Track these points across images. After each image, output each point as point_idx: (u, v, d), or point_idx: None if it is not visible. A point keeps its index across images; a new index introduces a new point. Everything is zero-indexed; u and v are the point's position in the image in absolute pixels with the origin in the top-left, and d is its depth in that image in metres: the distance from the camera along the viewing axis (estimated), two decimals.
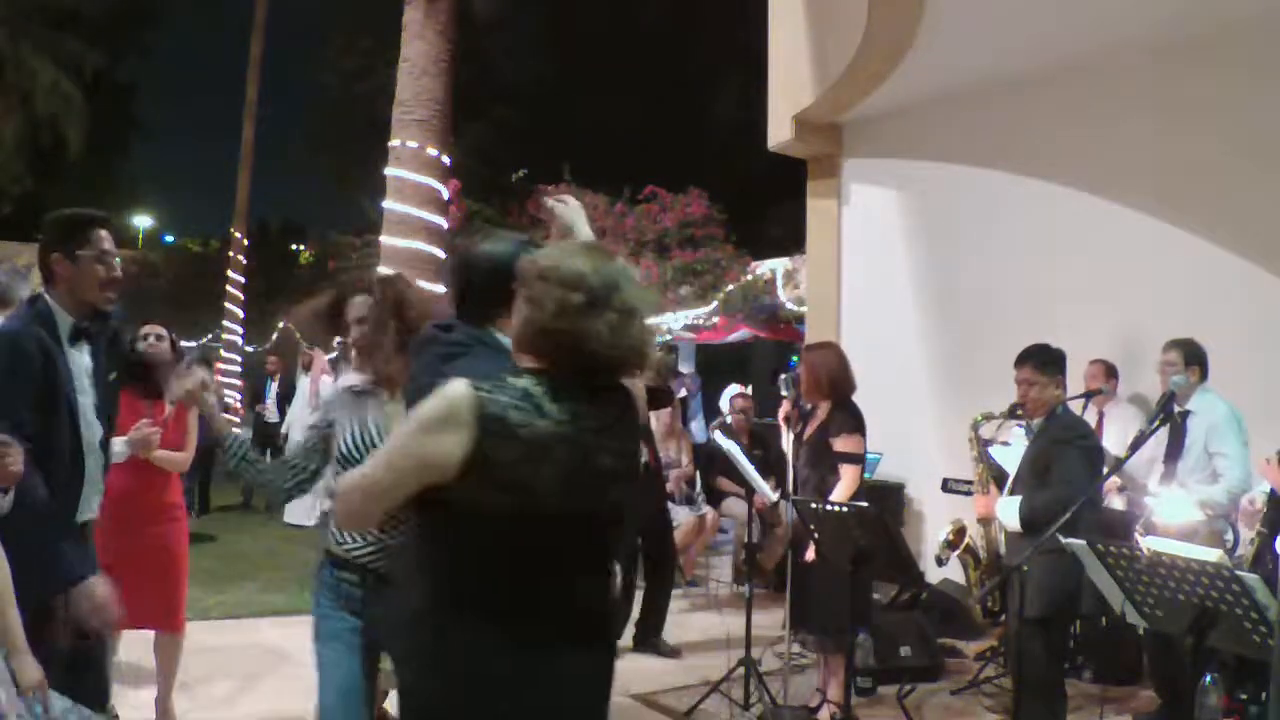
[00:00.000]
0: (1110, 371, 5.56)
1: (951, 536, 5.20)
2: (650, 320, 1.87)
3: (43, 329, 2.63)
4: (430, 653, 1.75)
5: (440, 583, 1.75)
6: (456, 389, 1.67)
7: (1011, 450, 4.22)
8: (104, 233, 2.73)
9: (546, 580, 1.74)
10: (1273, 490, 4.09)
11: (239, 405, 14.05)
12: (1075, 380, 5.46)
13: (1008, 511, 3.77)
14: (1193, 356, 4.65)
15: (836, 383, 4.42)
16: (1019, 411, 4.03)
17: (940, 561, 5.24)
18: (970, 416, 4.74)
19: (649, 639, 5.58)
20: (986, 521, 4.09)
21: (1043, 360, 3.87)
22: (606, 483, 1.79)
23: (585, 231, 2.22)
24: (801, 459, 4.49)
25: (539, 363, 1.75)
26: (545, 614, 1.74)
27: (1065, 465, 3.67)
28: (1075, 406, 5.20)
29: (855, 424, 4.38)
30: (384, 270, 6.82)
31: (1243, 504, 4.36)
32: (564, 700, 1.76)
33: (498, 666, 1.70)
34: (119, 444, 3.40)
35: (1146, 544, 2.71)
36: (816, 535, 3.99)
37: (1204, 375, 4.67)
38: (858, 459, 4.37)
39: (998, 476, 4.23)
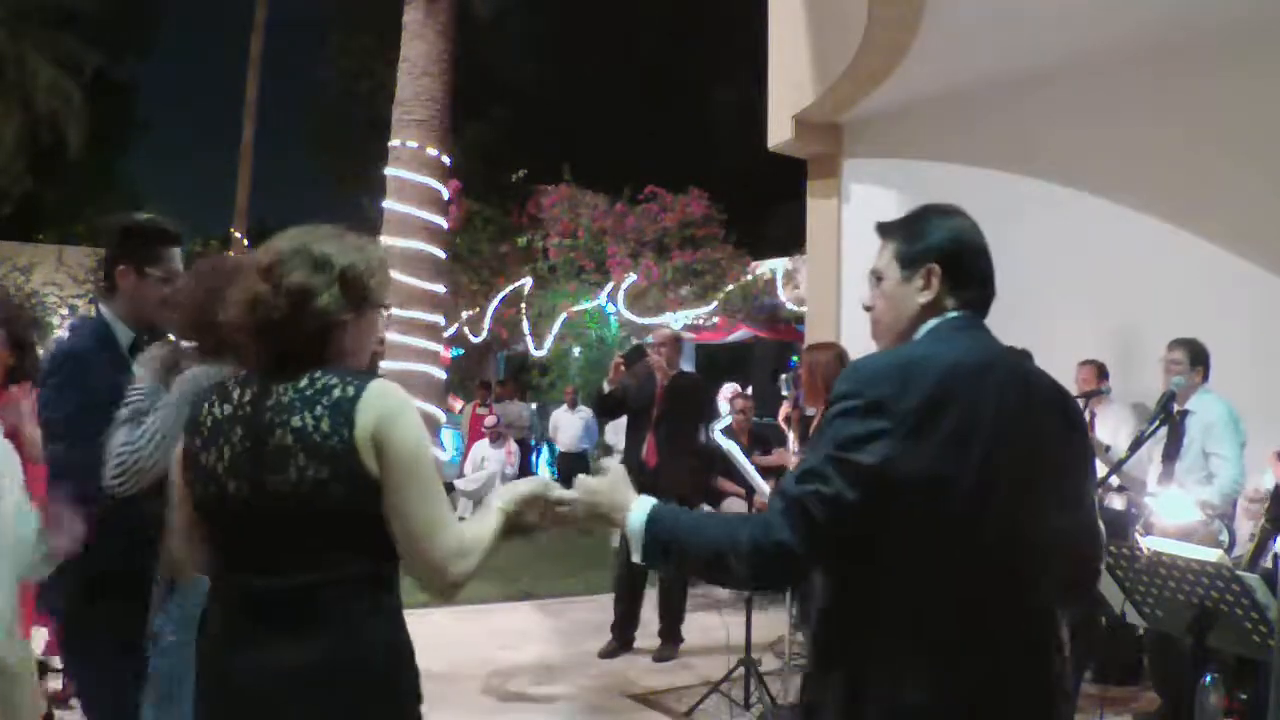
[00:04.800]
0: (1101, 372, 5.55)
1: None
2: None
3: (103, 344, 2.57)
4: None
5: None
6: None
7: None
8: (175, 250, 2.63)
9: None
10: (1277, 485, 4.07)
11: None
12: (1064, 380, 5.45)
13: None
14: (1197, 357, 4.65)
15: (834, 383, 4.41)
16: None
17: None
18: None
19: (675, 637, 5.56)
20: None
21: None
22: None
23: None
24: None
25: None
26: None
27: None
28: None
29: None
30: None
31: (1247, 492, 4.34)
32: None
33: None
34: None
35: (1146, 544, 2.70)
36: None
37: (1206, 375, 4.68)
38: None
39: None
